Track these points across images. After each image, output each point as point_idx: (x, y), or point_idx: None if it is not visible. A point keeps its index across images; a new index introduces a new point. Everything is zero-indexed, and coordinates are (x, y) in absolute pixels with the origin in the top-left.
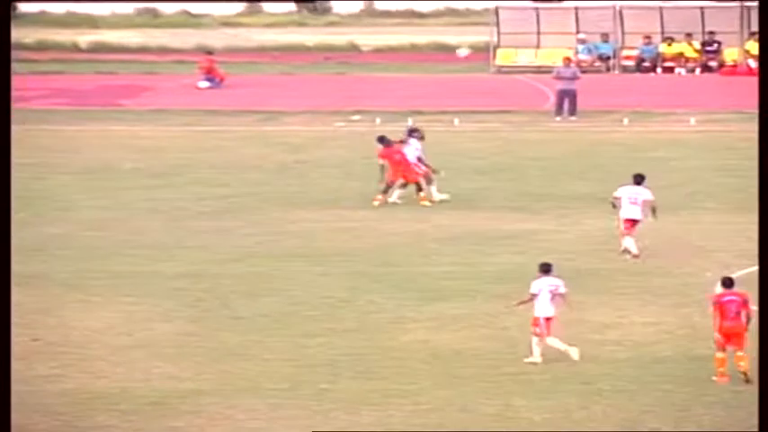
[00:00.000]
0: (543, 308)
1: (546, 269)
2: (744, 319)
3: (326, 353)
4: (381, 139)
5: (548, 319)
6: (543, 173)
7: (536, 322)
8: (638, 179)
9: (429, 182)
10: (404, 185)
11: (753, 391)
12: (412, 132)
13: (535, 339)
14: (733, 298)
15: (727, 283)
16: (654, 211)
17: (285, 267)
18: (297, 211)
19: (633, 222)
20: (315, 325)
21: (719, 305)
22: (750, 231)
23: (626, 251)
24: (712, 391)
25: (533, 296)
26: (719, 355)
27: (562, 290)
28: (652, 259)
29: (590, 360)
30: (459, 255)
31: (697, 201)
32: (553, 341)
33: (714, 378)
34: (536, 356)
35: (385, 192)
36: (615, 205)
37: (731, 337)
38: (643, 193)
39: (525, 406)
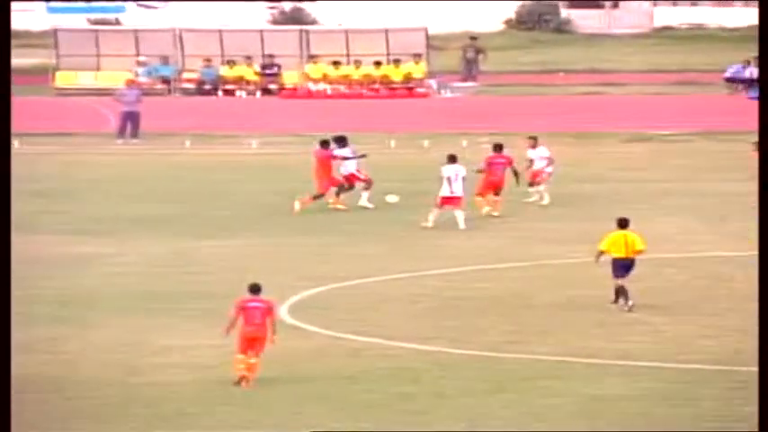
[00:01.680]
0: None
1: None
2: (268, 325)
3: None
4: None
5: None
6: (103, 196)
7: None
8: None
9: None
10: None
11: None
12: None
13: None
14: (258, 305)
15: (254, 289)
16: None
17: None
18: None
19: None
20: None
21: (244, 310)
22: (314, 254)
23: None
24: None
25: None
26: (240, 356)
27: None
28: (218, 282)
29: (150, 384)
30: (19, 280)
31: (248, 225)
32: None
33: (238, 382)
34: None
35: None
36: None
37: (253, 341)
38: None
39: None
